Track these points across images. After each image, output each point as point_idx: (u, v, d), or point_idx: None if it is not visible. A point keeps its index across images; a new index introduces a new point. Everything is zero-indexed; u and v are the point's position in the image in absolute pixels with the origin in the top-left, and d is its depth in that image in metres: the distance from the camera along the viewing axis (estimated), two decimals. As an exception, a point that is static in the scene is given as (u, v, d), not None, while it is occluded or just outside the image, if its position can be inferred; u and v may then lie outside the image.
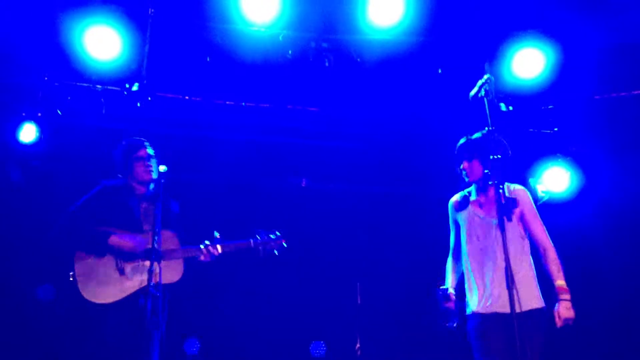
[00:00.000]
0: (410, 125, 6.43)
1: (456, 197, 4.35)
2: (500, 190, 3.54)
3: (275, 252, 4.78)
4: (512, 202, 3.69)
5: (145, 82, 5.44)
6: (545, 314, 3.87)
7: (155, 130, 6.08)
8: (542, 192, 6.37)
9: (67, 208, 4.37)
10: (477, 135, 4.12)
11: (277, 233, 4.81)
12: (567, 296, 3.83)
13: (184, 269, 4.40)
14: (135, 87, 5.41)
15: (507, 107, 5.76)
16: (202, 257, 4.45)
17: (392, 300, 6.87)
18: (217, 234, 4.54)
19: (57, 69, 5.66)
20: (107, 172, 4.89)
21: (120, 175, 4.60)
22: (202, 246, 4.45)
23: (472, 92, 3.59)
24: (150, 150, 4.59)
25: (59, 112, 5.78)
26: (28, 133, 5.71)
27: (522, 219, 4.04)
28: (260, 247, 4.72)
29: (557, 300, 3.84)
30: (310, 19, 5.45)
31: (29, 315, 6.00)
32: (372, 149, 6.72)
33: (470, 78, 3.82)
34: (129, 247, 4.24)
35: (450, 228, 4.36)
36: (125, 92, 5.46)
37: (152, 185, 4.53)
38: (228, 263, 4.78)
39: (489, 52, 5.55)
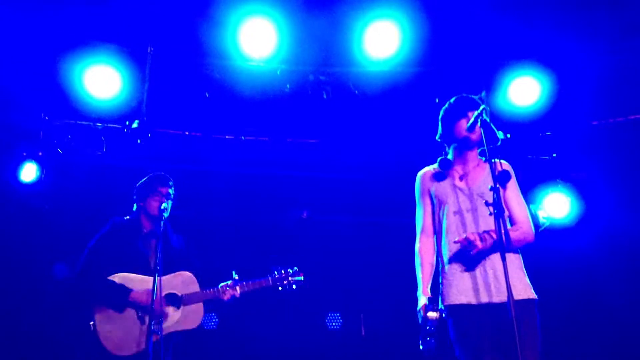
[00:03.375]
0: (409, 155, 6.44)
1: (428, 169, 3.82)
2: (496, 160, 3.31)
3: (294, 286, 4.80)
4: (507, 175, 3.46)
5: (145, 118, 5.49)
6: (537, 307, 3.43)
7: (156, 166, 6.10)
8: (544, 218, 6.36)
9: (79, 250, 4.38)
10: (477, 97, 3.77)
11: (295, 268, 4.84)
12: (493, 237, 3.34)
13: (203, 312, 4.42)
14: (135, 124, 5.46)
15: (504, 134, 5.79)
16: (224, 298, 4.46)
17: (394, 330, 6.82)
18: (235, 275, 4.56)
19: (58, 108, 5.71)
20: (110, 209, 4.90)
21: (135, 206, 4.61)
22: (220, 287, 4.47)
23: (469, 123, 3.57)
24: (171, 190, 4.60)
25: (59, 150, 5.81)
26: (29, 172, 5.72)
27: (504, 196, 3.57)
28: (278, 284, 4.74)
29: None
30: (308, 53, 5.51)
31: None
32: (372, 179, 6.73)
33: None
34: (148, 300, 4.18)
35: (419, 205, 3.77)
36: (125, 130, 5.51)
37: (161, 223, 4.48)
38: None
39: (486, 81, 5.60)
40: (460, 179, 3.66)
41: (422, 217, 3.73)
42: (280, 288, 4.74)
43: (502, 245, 3.11)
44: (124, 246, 4.39)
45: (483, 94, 3.91)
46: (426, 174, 3.79)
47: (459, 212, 3.56)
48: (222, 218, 6.72)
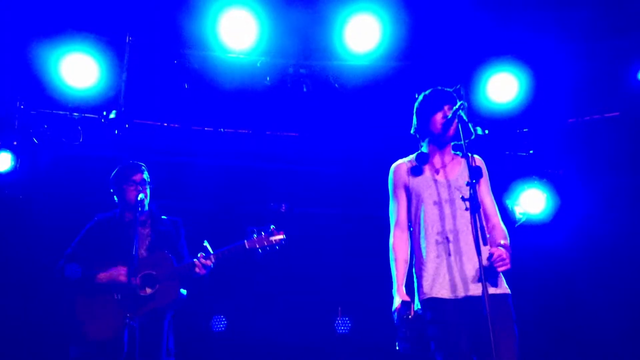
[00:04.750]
0: (388, 149, 6.46)
1: (403, 162, 3.78)
2: (470, 155, 3.31)
3: (277, 247, 4.50)
4: (479, 170, 3.45)
5: (123, 109, 5.44)
6: (511, 302, 3.44)
7: (133, 157, 6.04)
8: (520, 213, 6.43)
9: (53, 240, 4.39)
10: (452, 89, 3.74)
11: (272, 227, 4.51)
12: (510, 251, 3.37)
13: (179, 287, 4.32)
14: (112, 115, 5.40)
15: (482, 130, 5.85)
16: (197, 270, 4.30)
17: (375, 329, 6.85)
18: (206, 244, 4.38)
19: (33, 96, 5.63)
20: (85, 200, 4.86)
21: (116, 199, 4.58)
22: (195, 260, 4.34)
23: (446, 118, 3.56)
24: (145, 176, 4.55)
25: (35, 140, 5.73)
26: (3, 162, 5.64)
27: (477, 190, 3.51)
28: (257, 246, 4.45)
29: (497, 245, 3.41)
30: (288, 46, 5.50)
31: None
32: (351, 172, 6.74)
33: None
34: (122, 277, 4.20)
35: (394, 199, 3.73)
36: (102, 120, 5.45)
37: (145, 207, 4.48)
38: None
39: (465, 76, 5.64)
40: (437, 171, 3.65)
41: (397, 210, 3.70)
42: (260, 251, 4.46)
43: (477, 240, 3.15)
44: (106, 241, 4.38)
45: (460, 88, 3.92)
46: (401, 167, 3.75)
47: (438, 203, 3.54)
48: (200, 210, 6.69)
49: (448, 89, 3.75)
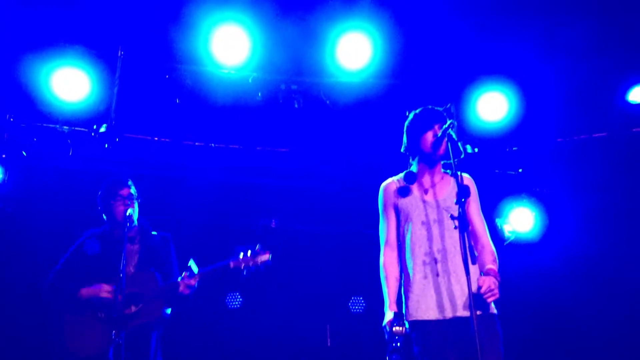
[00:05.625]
0: (378, 165, 6.49)
1: (393, 181, 3.79)
2: (459, 173, 3.31)
3: (262, 267, 4.43)
4: (467, 189, 3.43)
5: (113, 123, 5.42)
6: (499, 321, 3.46)
7: (123, 171, 6.02)
8: (509, 232, 6.46)
9: (40, 253, 4.36)
10: (441, 109, 3.75)
11: (258, 246, 4.46)
12: (498, 277, 3.39)
13: (163, 306, 4.28)
14: (103, 129, 5.38)
15: (472, 149, 5.88)
16: (181, 290, 4.25)
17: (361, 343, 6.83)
18: (191, 263, 4.32)
19: (23, 109, 5.59)
20: (73, 214, 4.83)
21: (104, 217, 4.54)
22: (179, 279, 4.29)
23: (436, 137, 3.57)
24: (133, 190, 4.50)
25: (24, 153, 5.69)
26: (-8, 174, 5.60)
27: (468, 208, 3.60)
28: (243, 266, 4.39)
29: (485, 274, 3.42)
30: (280, 62, 5.51)
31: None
32: (341, 189, 6.75)
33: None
34: (106, 294, 4.17)
35: (383, 218, 3.74)
36: (93, 134, 5.43)
37: (134, 222, 4.44)
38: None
39: (455, 95, 5.68)
40: (426, 191, 3.66)
41: (387, 230, 3.71)
42: (245, 271, 4.39)
43: (466, 259, 3.15)
44: (95, 257, 4.35)
45: (450, 106, 3.93)
46: (390, 187, 3.75)
47: (426, 223, 3.55)
48: (190, 224, 6.65)
49: (438, 108, 3.76)
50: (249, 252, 4.44)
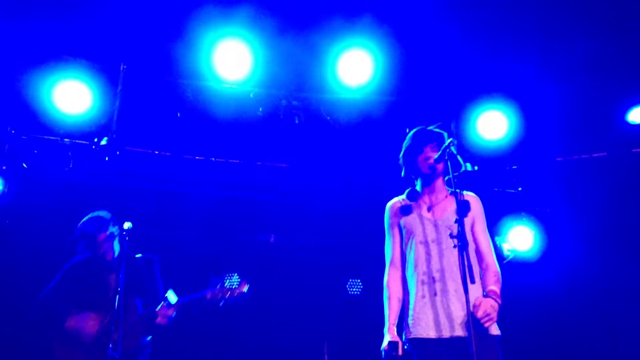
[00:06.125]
0: (379, 182, 6.49)
1: (397, 200, 3.80)
2: (459, 191, 3.32)
3: (239, 298, 4.45)
4: (466, 205, 3.48)
5: (114, 136, 5.43)
6: (499, 344, 3.42)
7: (123, 184, 6.05)
8: (508, 250, 6.45)
9: (39, 267, 4.37)
10: (434, 127, 3.76)
11: (236, 279, 4.54)
12: (498, 299, 3.35)
13: (143, 334, 4.32)
14: (104, 142, 5.39)
15: (472, 167, 5.89)
16: (158, 320, 4.30)
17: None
18: (170, 293, 4.37)
19: (25, 122, 5.60)
20: (73, 227, 4.81)
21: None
22: (157, 309, 4.32)
23: (437, 155, 3.61)
24: (112, 230, 4.51)
25: (24, 165, 5.69)
26: (-8, 186, 5.60)
27: (472, 228, 3.61)
28: (220, 297, 4.40)
29: (485, 295, 3.39)
30: (282, 77, 5.54)
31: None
32: (341, 205, 6.75)
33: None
34: (89, 324, 4.21)
35: (388, 236, 3.76)
36: (93, 147, 5.44)
37: (115, 255, 4.51)
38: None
39: (455, 113, 5.70)
40: (428, 209, 3.67)
41: (391, 248, 3.72)
42: (221, 303, 4.41)
43: (464, 278, 3.14)
44: (81, 284, 4.39)
45: (450, 124, 3.94)
46: (395, 205, 3.78)
47: (424, 243, 3.56)
48: (189, 239, 6.65)
49: (433, 128, 3.77)
50: (227, 282, 4.47)
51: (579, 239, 6.49)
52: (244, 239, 6.83)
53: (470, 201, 3.63)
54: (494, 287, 3.44)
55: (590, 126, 5.82)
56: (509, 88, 5.65)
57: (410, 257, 3.59)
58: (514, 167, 6.22)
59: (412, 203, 3.71)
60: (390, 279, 3.66)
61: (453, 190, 3.40)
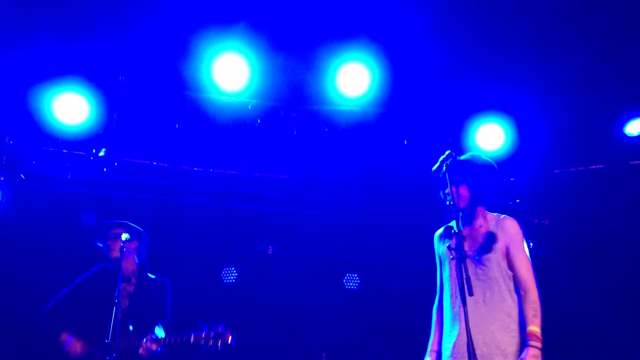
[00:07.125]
0: (377, 194, 6.50)
1: (441, 229, 3.85)
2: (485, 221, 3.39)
3: (221, 347, 4.34)
4: (492, 237, 3.50)
5: (112, 147, 5.43)
6: None
7: (121, 194, 6.04)
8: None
9: (36, 277, 4.40)
10: (465, 156, 3.76)
11: (220, 329, 4.40)
12: (538, 344, 3.33)
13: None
14: (102, 153, 5.39)
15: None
16: (140, 352, 4.27)
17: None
18: (158, 328, 4.36)
19: (23, 132, 5.61)
20: (70, 237, 4.83)
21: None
22: (143, 341, 4.30)
23: (435, 167, 3.60)
24: (126, 236, 4.46)
25: (22, 175, 5.70)
26: (-10, 196, 5.59)
27: (507, 253, 3.56)
28: (202, 342, 4.32)
29: (526, 345, 3.36)
30: (280, 89, 5.55)
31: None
32: (340, 216, 6.75)
33: (436, 148, 3.90)
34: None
35: (437, 265, 3.82)
36: (91, 157, 5.44)
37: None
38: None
39: (452, 125, 5.71)
40: (462, 240, 3.55)
41: (438, 276, 3.81)
42: (204, 348, 4.33)
43: (462, 291, 3.12)
44: (91, 298, 4.42)
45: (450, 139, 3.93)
46: (436, 236, 3.86)
47: (452, 273, 3.62)
48: (187, 250, 6.64)
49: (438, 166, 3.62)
50: (212, 331, 4.37)
51: (575, 251, 6.48)
52: (242, 251, 6.82)
53: (505, 225, 3.64)
54: (534, 326, 3.40)
55: (588, 139, 5.82)
56: (506, 100, 5.65)
57: (444, 287, 3.72)
58: (511, 179, 6.22)
59: (447, 233, 3.77)
60: (436, 307, 3.79)
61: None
